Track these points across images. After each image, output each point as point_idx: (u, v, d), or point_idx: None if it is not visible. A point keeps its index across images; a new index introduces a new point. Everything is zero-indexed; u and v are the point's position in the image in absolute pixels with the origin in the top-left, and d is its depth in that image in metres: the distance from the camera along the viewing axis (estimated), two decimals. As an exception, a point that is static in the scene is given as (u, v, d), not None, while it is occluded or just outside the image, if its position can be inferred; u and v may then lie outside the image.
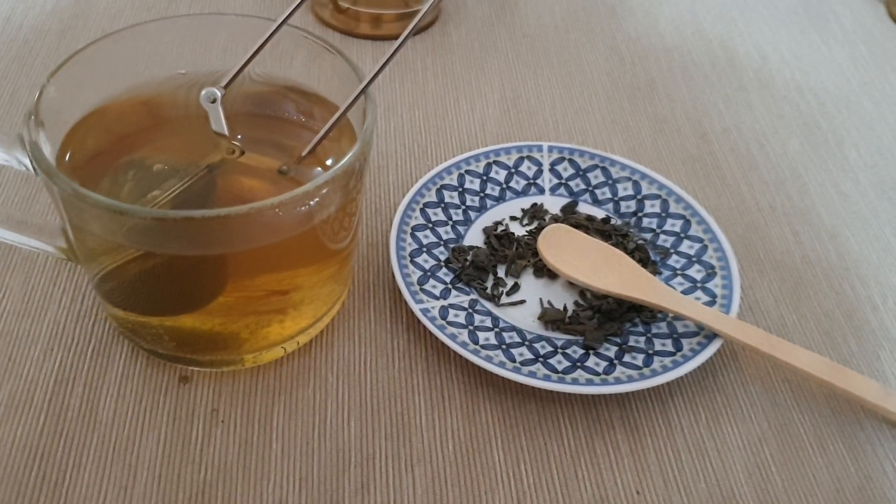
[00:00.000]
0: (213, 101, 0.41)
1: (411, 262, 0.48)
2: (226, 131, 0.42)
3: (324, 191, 0.38)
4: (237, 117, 0.43)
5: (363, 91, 0.41)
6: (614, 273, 0.47)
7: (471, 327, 0.46)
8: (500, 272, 0.50)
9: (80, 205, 0.36)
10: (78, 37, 0.65)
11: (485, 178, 0.54)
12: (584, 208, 0.54)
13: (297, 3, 0.42)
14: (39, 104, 0.39)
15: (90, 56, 0.42)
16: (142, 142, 0.44)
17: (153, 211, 0.36)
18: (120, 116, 0.44)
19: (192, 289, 0.42)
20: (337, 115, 0.41)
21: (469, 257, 0.50)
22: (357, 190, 0.42)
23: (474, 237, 0.52)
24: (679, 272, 0.49)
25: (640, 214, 0.53)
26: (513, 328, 0.46)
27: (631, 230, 0.52)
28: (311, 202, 0.38)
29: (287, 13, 0.42)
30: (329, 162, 0.43)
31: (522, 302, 0.48)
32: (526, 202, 0.54)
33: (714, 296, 0.48)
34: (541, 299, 0.49)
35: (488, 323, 0.46)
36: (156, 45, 0.45)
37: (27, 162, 0.39)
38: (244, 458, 0.42)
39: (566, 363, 0.44)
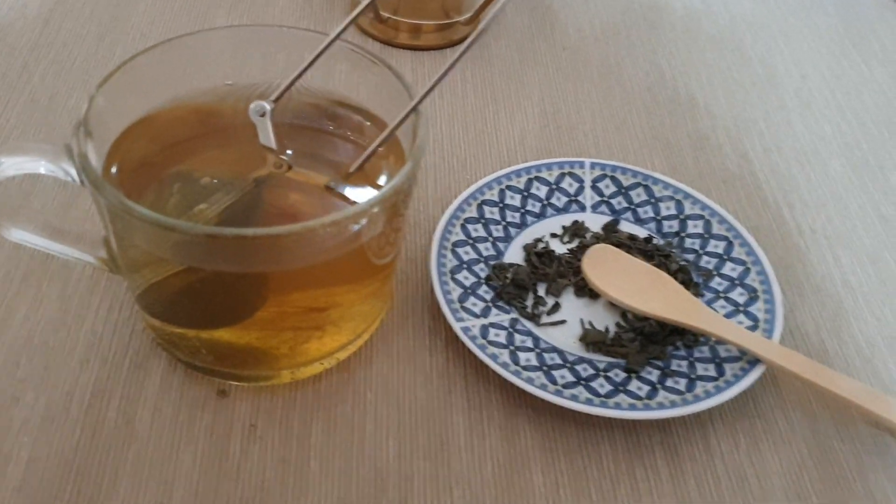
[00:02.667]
0: (263, 115, 0.41)
1: (451, 278, 0.48)
2: (274, 145, 0.42)
3: (375, 210, 0.37)
4: (281, 129, 0.43)
5: (414, 109, 0.40)
6: (659, 296, 0.46)
7: (511, 347, 0.45)
8: (541, 290, 0.49)
9: (127, 218, 0.36)
10: (116, 41, 0.64)
11: (526, 193, 0.53)
12: (626, 227, 0.53)
13: (350, 18, 0.41)
14: (89, 114, 0.39)
15: (138, 66, 0.42)
16: (187, 153, 0.44)
17: (202, 227, 0.36)
18: (166, 127, 0.44)
19: (233, 303, 0.42)
20: (386, 132, 0.41)
21: (509, 275, 0.49)
22: (405, 207, 0.41)
23: (514, 254, 0.51)
24: (721, 295, 0.49)
25: (682, 235, 0.52)
26: (554, 349, 0.46)
27: (673, 251, 0.51)
28: (362, 221, 0.38)
29: (340, 28, 0.41)
30: (381, 180, 0.42)
31: (563, 322, 0.48)
32: (567, 219, 0.53)
33: (756, 320, 0.47)
34: (581, 320, 0.48)
35: (529, 343, 0.46)
36: (203, 56, 0.44)
37: (73, 173, 0.38)
38: (282, 475, 0.41)
39: (608, 387, 0.44)
